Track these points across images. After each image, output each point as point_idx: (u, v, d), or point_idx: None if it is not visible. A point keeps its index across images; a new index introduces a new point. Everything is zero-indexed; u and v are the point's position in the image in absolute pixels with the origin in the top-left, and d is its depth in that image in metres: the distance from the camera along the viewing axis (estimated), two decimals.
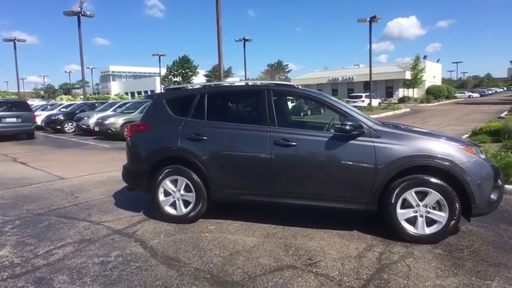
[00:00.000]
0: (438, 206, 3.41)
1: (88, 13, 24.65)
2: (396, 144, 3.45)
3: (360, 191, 3.55)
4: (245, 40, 35.10)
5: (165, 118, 4.20)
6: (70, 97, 40.55)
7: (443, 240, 3.47)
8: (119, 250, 3.40)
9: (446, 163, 3.32)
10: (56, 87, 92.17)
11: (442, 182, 3.34)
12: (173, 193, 4.10)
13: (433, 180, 3.35)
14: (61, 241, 3.65)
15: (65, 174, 7.02)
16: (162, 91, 4.67)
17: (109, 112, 14.17)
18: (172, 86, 4.73)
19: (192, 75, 49.56)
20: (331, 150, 3.59)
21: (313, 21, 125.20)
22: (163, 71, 49.71)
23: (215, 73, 54.32)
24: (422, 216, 3.45)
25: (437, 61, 61.17)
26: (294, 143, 3.66)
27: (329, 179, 3.63)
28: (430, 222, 3.45)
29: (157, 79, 57.14)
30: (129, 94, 59.49)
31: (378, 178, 3.45)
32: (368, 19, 27.26)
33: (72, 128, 16.02)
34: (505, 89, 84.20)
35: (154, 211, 4.43)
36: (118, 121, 12.22)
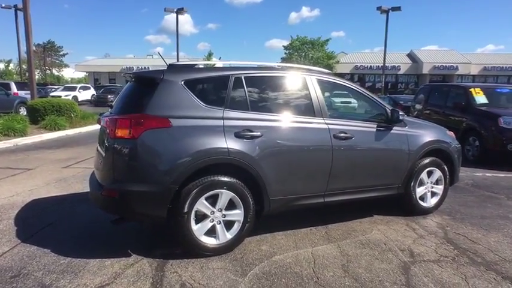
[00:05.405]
0: (437, 181, 4.18)
1: None
2: (419, 132, 3.93)
3: (397, 177, 3.83)
4: (17, 9, 26.54)
5: (192, 108, 2.87)
6: None
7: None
8: None
9: (446, 145, 4.12)
10: None
11: (442, 162, 4.12)
12: (211, 215, 2.91)
13: (438, 160, 4.07)
14: None
15: None
16: (169, 68, 2.99)
17: None
18: (178, 63, 3.14)
19: None
20: (380, 140, 3.65)
21: (81, 1, 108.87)
22: None
23: None
24: (429, 192, 4.13)
25: (219, 58, 69.45)
26: (351, 136, 3.45)
27: (379, 168, 3.69)
28: (431, 195, 4.18)
29: None
30: None
31: (409, 163, 3.83)
32: (175, 10, 27.27)
33: None
34: None
35: (152, 247, 3.02)
36: None
